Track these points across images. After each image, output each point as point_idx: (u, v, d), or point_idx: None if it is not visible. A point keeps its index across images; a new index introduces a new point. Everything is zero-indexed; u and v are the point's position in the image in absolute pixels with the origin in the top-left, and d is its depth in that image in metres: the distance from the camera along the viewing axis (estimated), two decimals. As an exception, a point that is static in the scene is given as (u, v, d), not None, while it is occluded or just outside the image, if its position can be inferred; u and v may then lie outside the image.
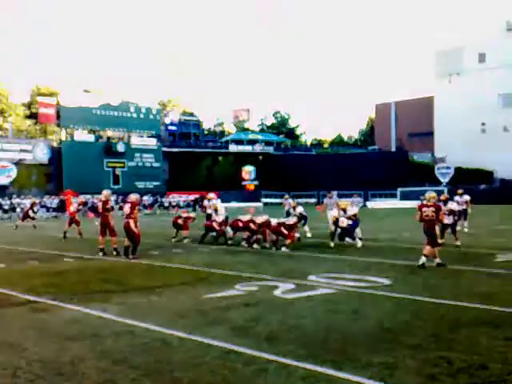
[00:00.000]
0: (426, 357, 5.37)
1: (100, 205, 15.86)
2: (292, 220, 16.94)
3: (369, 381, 4.66)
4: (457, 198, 22.08)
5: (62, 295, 8.83)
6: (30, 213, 31.51)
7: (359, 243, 16.54)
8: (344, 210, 17.16)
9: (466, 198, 22.16)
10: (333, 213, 17.41)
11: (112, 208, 16.21)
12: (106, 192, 16.41)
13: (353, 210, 17.22)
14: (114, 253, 14.91)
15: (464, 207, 21.73)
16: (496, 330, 6.46)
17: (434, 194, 12.70)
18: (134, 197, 14.89)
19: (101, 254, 15.03)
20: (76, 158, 57.56)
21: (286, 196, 22.14)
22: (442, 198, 16.98)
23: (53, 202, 55.30)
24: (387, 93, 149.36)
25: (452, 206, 16.87)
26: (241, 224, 17.37)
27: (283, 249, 15.72)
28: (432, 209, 12.16)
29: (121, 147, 62.61)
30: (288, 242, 15.98)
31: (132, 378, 4.86)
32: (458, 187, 25.10)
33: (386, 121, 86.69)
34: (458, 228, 20.59)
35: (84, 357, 5.55)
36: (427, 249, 11.99)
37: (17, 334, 6.62)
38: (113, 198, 28.43)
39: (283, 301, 8.34)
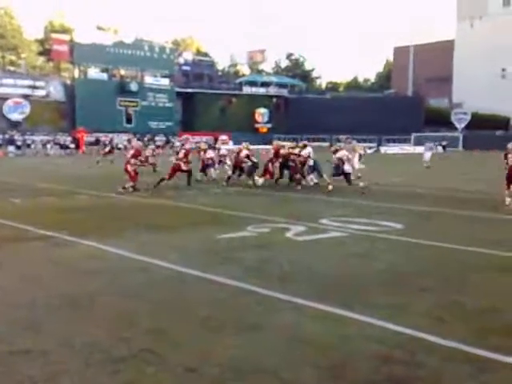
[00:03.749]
0: (436, 300, 5.42)
1: (131, 152, 16.69)
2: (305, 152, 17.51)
3: (378, 321, 4.73)
4: None
5: (77, 231, 8.96)
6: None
7: (361, 183, 16.48)
8: (360, 156, 17.30)
9: None
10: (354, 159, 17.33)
11: (146, 160, 17.91)
12: (137, 144, 19.33)
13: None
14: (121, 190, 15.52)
15: None
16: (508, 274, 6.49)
17: None
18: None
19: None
20: (89, 96, 57.15)
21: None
22: None
23: (66, 139, 55.49)
24: (406, 36, 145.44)
25: None
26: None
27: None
28: None
29: (134, 86, 62.08)
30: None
31: (148, 313, 4.97)
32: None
33: (403, 65, 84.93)
34: None
35: (101, 291, 5.68)
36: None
37: (35, 267, 6.76)
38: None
39: (295, 243, 8.41)
